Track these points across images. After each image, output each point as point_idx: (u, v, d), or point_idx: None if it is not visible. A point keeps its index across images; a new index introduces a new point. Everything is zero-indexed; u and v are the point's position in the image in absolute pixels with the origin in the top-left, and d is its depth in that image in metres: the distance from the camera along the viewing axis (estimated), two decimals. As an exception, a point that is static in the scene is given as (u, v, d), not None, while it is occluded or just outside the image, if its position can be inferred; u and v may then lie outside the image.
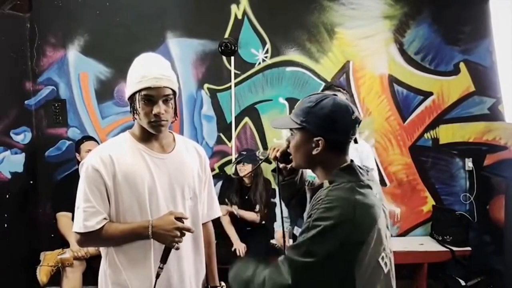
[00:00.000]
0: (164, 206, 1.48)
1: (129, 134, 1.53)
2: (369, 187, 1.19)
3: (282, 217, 1.78)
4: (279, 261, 1.14)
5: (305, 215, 1.26)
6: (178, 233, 1.42)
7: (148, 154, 1.49)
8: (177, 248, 1.44)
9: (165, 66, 1.47)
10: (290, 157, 1.34)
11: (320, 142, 1.20)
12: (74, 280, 2.92)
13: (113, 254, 1.48)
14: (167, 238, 1.41)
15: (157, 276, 1.43)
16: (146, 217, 1.45)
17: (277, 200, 2.71)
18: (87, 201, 1.42)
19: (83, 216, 1.41)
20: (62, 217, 3.05)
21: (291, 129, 1.29)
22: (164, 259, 1.44)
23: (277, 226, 2.68)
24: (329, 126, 1.19)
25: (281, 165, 1.44)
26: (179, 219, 1.43)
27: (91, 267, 2.99)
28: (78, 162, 3.17)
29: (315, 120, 1.20)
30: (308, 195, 1.34)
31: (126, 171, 1.44)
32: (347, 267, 1.09)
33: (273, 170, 1.52)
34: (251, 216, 3.25)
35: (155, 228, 1.41)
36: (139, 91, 1.41)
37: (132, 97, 1.45)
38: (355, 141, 1.26)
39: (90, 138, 3.26)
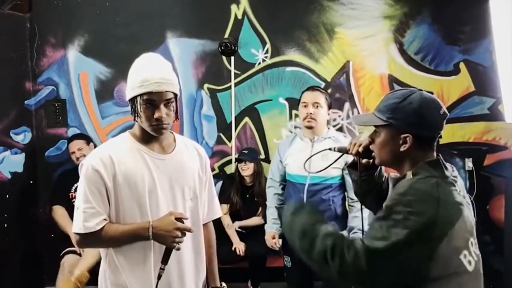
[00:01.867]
0: (164, 207, 1.47)
1: (129, 134, 1.53)
2: (452, 184, 1.17)
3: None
4: (354, 240, 1.11)
5: (385, 203, 1.25)
6: (179, 234, 1.42)
7: (148, 155, 1.48)
8: (178, 249, 1.44)
9: (166, 68, 1.46)
10: (373, 154, 1.33)
11: (408, 138, 1.18)
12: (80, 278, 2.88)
13: (113, 255, 1.48)
14: (168, 239, 1.41)
15: (159, 277, 1.43)
16: (146, 218, 1.44)
17: (268, 202, 2.72)
18: (87, 202, 1.41)
19: (83, 217, 1.41)
20: (58, 209, 3.08)
21: (375, 126, 1.27)
22: (165, 260, 1.44)
23: (268, 227, 2.73)
24: (417, 122, 1.17)
25: (363, 161, 1.40)
26: (179, 219, 1.43)
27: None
28: (73, 161, 3.20)
29: (403, 116, 1.18)
30: (390, 184, 1.31)
31: (126, 172, 1.43)
32: (421, 260, 1.07)
33: (349, 166, 1.50)
34: (254, 222, 3.25)
35: (155, 229, 1.41)
36: (141, 95, 1.41)
37: (133, 99, 1.44)
38: (440, 137, 1.25)
39: (78, 136, 3.27)
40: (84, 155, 3.14)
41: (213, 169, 3.56)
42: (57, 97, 3.45)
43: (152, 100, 1.41)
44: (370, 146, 1.32)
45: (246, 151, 3.28)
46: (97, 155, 1.45)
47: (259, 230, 3.29)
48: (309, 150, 2.39)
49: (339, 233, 1.16)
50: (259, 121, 3.56)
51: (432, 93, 3.77)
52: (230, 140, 3.55)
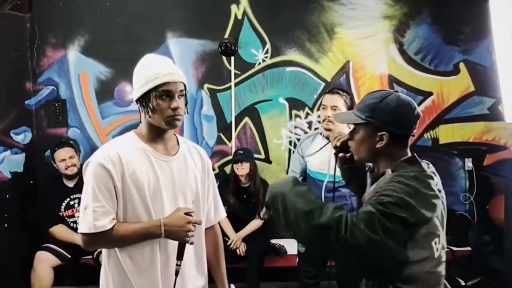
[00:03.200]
0: (168, 209, 1.46)
1: (134, 134, 1.51)
2: (430, 177, 1.25)
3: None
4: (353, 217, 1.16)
5: (365, 197, 1.37)
6: (191, 227, 1.42)
7: (153, 156, 1.47)
8: (192, 243, 1.45)
9: (172, 63, 1.50)
10: (350, 148, 1.41)
11: (384, 136, 1.27)
12: (44, 274, 2.89)
13: (118, 256, 1.45)
14: (181, 234, 1.42)
15: (176, 273, 1.44)
16: (151, 218, 1.43)
17: None
18: (97, 201, 1.38)
19: (93, 216, 1.37)
20: (56, 228, 3.05)
21: (355, 124, 1.35)
22: (180, 255, 1.45)
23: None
24: (394, 121, 1.26)
25: (340, 155, 1.50)
26: (187, 214, 1.44)
27: (89, 267, 3.00)
28: (56, 170, 3.14)
29: (380, 115, 1.27)
30: (368, 180, 1.42)
31: (134, 172, 1.41)
32: (401, 243, 1.15)
33: (336, 154, 1.58)
34: (253, 226, 3.26)
35: (167, 226, 1.40)
36: (156, 87, 1.40)
37: (145, 95, 1.42)
38: (413, 135, 1.34)
39: (63, 144, 3.19)
40: (75, 165, 3.09)
41: (213, 169, 3.55)
42: (57, 97, 3.45)
43: (169, 91, 1.41)
44: (349, 142, 1.41)
45: (241, 151, 3.28)
46: (105, 153, 1.42)
47: (258, 230, 3.29)
48: (330, 149, 2.45)
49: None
50: (259, 121, 3.56)
51: (431, 93, 3.75)
52: (230, 140, 3.56)
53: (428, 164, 1.35)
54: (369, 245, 1.11)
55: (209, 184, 1.65)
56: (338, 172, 1.73)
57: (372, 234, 1.11)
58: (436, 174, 1.33)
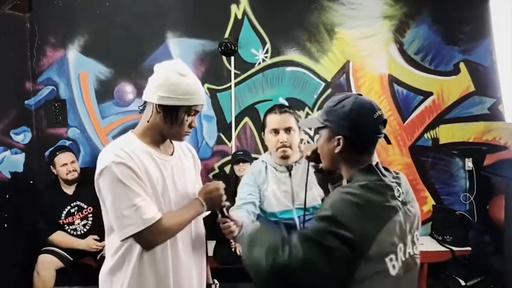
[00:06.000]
0: (175, 207, 1.48)
1: (134, 135, 1.50)
2: (388, 187, 1.17)
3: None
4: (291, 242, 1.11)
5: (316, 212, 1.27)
6: (222, 192, 1.54)
7: (157, 157, 1.48)
8: (229, 206, 1.57)
9: None
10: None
11: (340, 140, 1.21)
12: (48, 277, 2.89)
13: (137, 265, 1.43)
14: (216, 201, 1.53)
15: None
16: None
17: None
18: (136, 197, 1.34)
19: (138, 213, 1.33)
20: (56, 236, 3.01)
21: (317, 129, 1.31)
22: (224, 215, 1.55)
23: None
24: (348, 124, 1.19)
25: (312, 164, 1.46)
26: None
27: (90, 267, 3.00)
28: (55, 175, 3.12)
29: (335, 118, 1.22)
30: (331, 192, 1.37)
31: (146, 169, 1.42)
32: (344, 264, 1.07)
33: (315, 171, 1.50)
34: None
35: (205, 200, 1.51)
36: (191, 105, 1.44)
37: (174, 107, 1.42)
38: (388, 142, 1.27)
39: (63, 149, 3.16)
40: (75, 170, 3.07)
41: (213, 169, 3.56)
42: (57, 97, 3.45)
43: (197, 112, 1.49)
44: (318, 150, 1.34)
45: (241, 152, 3.28)
46: (119, 151, 1.39)
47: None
48: (288, 180, 2.04)
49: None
50: (259, 121, 3.55)
51: (431, 93, 3.73)
52: (230, 140, 3.56)
53: (396, 173, 1.26)
54: (304, 268, 1.05)
55: (198, 181, 1.69)
56: (307, 202, 1.62)
57: (305, 257, 1.05)
58: (404, 184, 1.24)
